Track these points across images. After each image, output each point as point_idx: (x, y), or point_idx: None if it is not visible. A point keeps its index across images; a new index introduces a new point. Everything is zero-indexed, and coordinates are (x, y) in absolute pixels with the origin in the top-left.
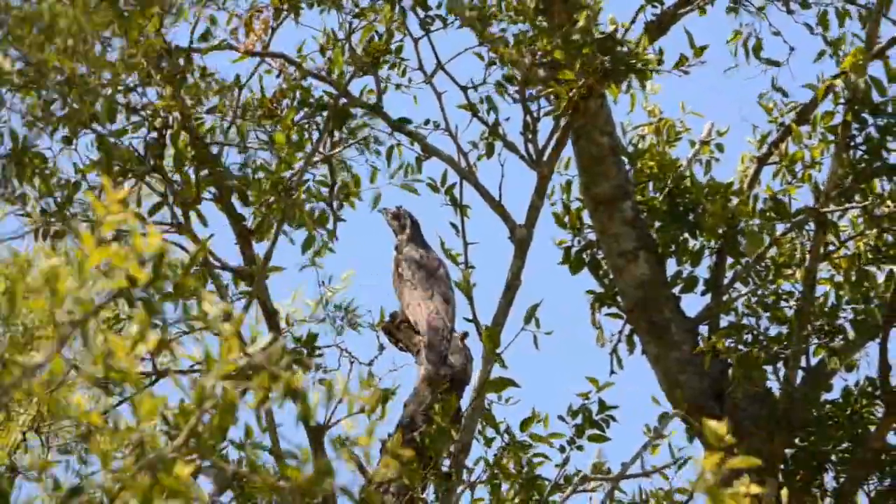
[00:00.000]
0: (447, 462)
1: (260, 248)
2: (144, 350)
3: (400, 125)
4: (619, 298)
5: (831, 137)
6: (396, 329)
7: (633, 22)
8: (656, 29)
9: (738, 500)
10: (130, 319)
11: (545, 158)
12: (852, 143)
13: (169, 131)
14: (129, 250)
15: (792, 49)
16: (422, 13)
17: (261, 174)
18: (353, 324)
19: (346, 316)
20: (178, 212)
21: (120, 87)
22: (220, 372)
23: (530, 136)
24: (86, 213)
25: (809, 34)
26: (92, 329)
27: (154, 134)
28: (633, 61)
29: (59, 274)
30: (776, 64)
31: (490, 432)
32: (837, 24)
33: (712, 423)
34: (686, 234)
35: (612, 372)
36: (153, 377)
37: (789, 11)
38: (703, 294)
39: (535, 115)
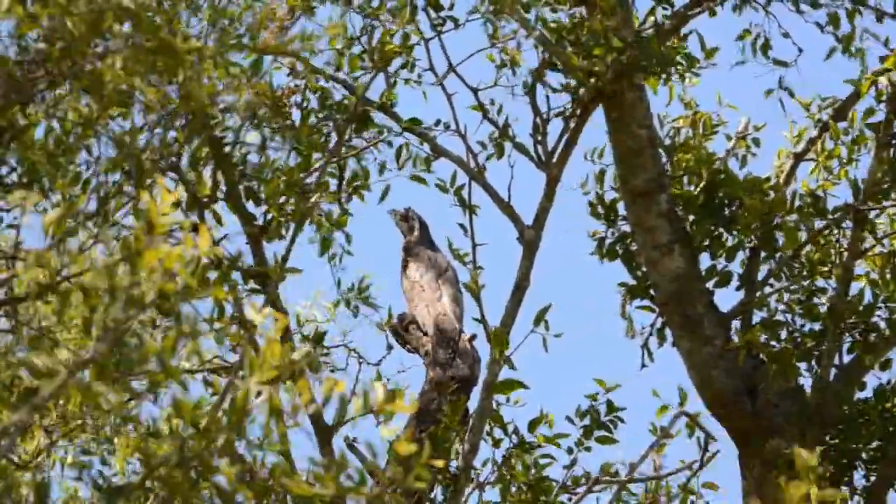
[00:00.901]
0: (455, 463)
1: (273, 248)
2: (190, 349)
3: (410, 126)
4: (651, 291)
5: (869, 134)
6: (404, 330)
7: (643, 23)
8: (667, 30)
9: None
10: (171, 319)
11: (554, 160)
12: (893, 142)
13: (185, 130)
14: (181, 251)
15: (801, 50)
16: (433, 14)
17: (273, 174)
18: (368, 302)
19: (360, 295)
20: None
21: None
22: (263, 376)
23: (540, 138)
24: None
25: (819, 34)
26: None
27: (171, 132)
28: (648, 62)
29: (114, 272)
30: (784, 64)
31: (498, 433)
32: (848, 23)
33: (803, 453)
34: (721, 229)
35: (644, 365)
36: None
37: (799, 11)
38: (737, 289)
39: (544, 116)
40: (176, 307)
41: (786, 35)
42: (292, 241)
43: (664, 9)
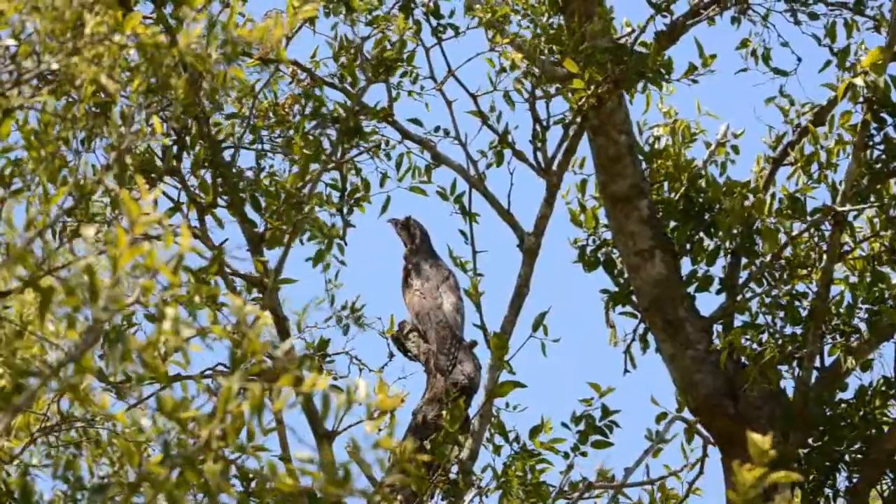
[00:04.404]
0: (455, 469)
1: (272, 255)
2: (173, 347)
3: (410, 134)
4: (633, 297)
5: (848, 137)
6: (405, 338)
7: (642, 32)
8: (666, 38)
9: None
10: (155, 321)
11: (554, 167)
12: (870, 143)
13: (187, 135)
14: (161, 250)
15: (800, 60)
16: (434, 22)
17: (271, 182)
18: (360, 322)
19: (353, 314)
20: (193, 215)
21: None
22: (245, 373)
23: (539, 145)
24: (103, 214)
25: (817, 45)
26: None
27: (172, 137)
28: (644, 70)
29: (94, 271)
30: (784, 74)
31: (499, 439)
32: (846, 35)
33: (756, 437)
34: (702, 234)
35: (626, 371)
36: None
37: (797, 23)
38: (717, 293)
39: (544, 123)
40: (160, 306)
41: (784, 44)
42: (286, 250)
43: (663, 16)
